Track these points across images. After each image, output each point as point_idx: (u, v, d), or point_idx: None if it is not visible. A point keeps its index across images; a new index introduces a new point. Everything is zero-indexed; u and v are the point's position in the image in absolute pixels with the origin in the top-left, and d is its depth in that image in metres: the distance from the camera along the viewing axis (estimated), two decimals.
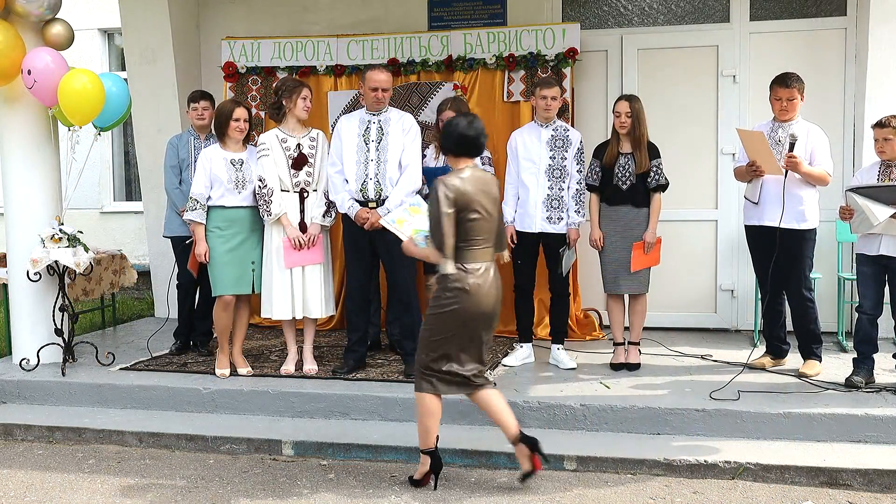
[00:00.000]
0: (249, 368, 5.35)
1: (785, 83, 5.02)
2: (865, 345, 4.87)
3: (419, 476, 3.99)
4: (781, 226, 4.93)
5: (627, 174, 5.22)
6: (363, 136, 5.14)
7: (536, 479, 4.09)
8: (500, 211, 4.04)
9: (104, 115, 5.51)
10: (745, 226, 5.30)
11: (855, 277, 5.19)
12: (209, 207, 5.17)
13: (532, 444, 3.90)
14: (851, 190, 4.78)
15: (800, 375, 5.08)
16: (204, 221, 5.15)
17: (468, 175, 3.86)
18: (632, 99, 5.26)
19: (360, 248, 5.21)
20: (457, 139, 3.92)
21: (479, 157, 4.12)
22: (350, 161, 5.11)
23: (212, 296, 5.29)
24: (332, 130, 6.59)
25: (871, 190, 4.70)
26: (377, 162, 5.09)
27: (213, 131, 5.33)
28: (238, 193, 5.17)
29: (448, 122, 4.04)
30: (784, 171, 4.89)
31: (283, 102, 5.16)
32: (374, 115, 5.16)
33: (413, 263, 5.20)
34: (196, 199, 5.14)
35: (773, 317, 5.28)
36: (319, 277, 5.21)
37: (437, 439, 3.93)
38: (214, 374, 5.28)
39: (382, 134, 5.10)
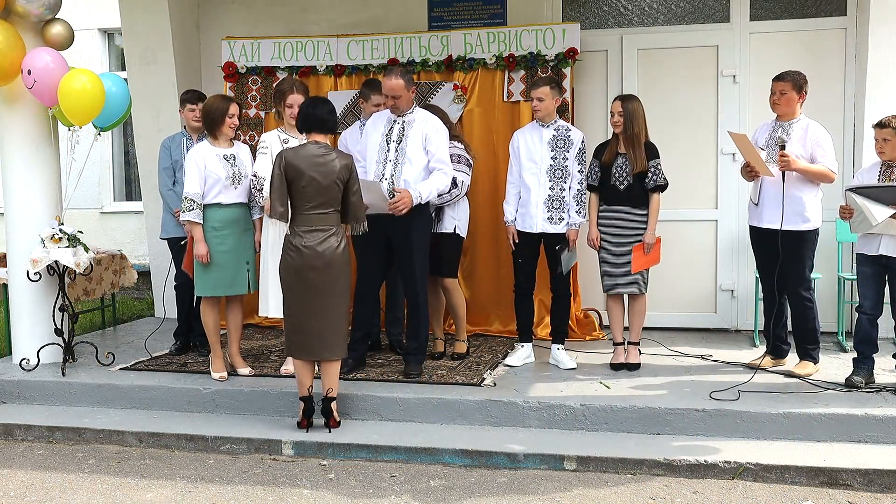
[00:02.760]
0: (249, 368, 5.34)
1: (778, 77, 5.05)
2: (865, 345, 4.87)
3: (299, 419, 4.64)
4: (783, 227, 4.92)
5: (624, 174, 5.22)
6: (386, 135, 5.15)
7: (536, 480, 4.10)
8: (352, 187, 4.54)
9: (104, 115, 5.51)
10: (749, 226, 5.30)
11: (855, 277, 5.19)
12: (203, 206, 5.11)
13: (308, 411, 4.61)
14: (851, 190, 4.78)
15: (790, 374, 5.08)
16: (201, 221, 5.08)
17: (304, 149, 4.49)
18: (626, 98, 5.26)
19: (376, 247, 5.20)
20: (302, 118, 4.60)
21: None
22: (371, 159, 5.13)
23: (197, 296, 5.28)
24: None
25: (871, 190, 4.70)
26: (395, 163, 5.09)
27: (204, 128, 5.23)
28: (234, 189, 5.13)
29: (300, 105, 4.72)
30: (778, 172, 4.89)
31: (275, 106, 5.31)
32: (399, 115, 5.14)
33: (425, 264, 5.20)
34: (192, 199, 5.05)
35: (775, 316, 5.27)
36: None
37: (311, 388, 4.59)
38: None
39: (403, 135, 5.09)
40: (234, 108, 5.14)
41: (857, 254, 4.99)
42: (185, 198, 5.07)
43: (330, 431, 4.58)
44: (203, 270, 5.13)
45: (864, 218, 4.66)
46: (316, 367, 4.66)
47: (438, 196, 5.36)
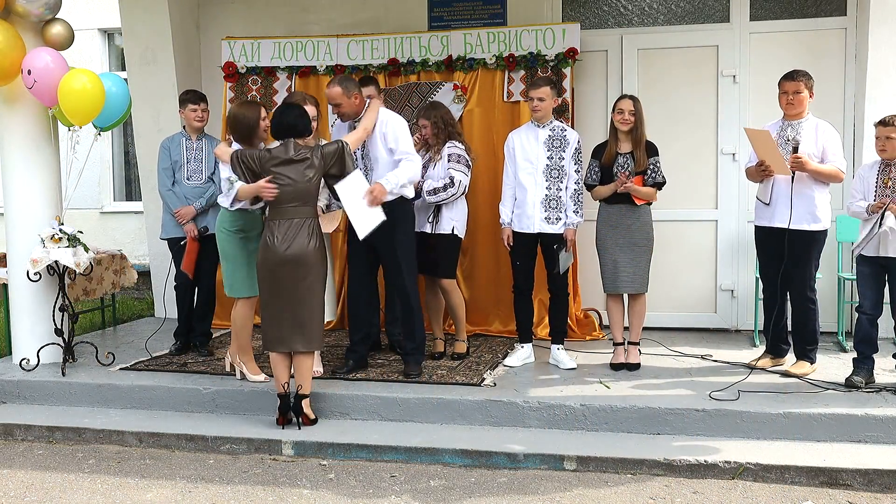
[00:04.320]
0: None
1: (791, 77, 5.03)
2: (865, 345, 4.87)
3: (276, 416, 4.69)
4: (793, 227, 4.92)
5: (629, 172, 5.22)
6: None
7: (536, 480, 4.10)
8: (338, 171, 4.65)
9: (104, 115, 5.51)
10: (755, 226, 5.30)
11: (855, 277, 5.18)
12: (234, 211, 4.98)
13: (284, 408, 4.64)
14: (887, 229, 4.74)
15: (787, 374, 5.09)
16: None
17: (273, 149, 4.64)
18: (634, 98, 5.28)
19: (362, 249, 5.22)
20: (274, 126, 4.68)
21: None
22: None
23: (234, 297, 5.13)
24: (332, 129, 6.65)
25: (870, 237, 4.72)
26: (365, 169, 5.09)
27: (238, 140, 4.93)
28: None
29: (273, 113, 4.80)
30: (791, 171, 4.89)
31: None
32: (352, 121, 5.15)
33: (412, 264, 5.20)
34: (231, 181, 4.82)
35: (777, 316, 5.26)
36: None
37: (287, 385, 4.64)
38: (215, 374, 5.28)
39: (366, 140, 5.07)
40: (263, 112, 5.04)
41: (857, 254, 4.99)
42: (228, 180, 4.86)
43: (300, 428, 4.59)
44: (237, 272, 5.04)
45: (880, 237, 4.68)
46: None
47: (435, 193, 5.36)
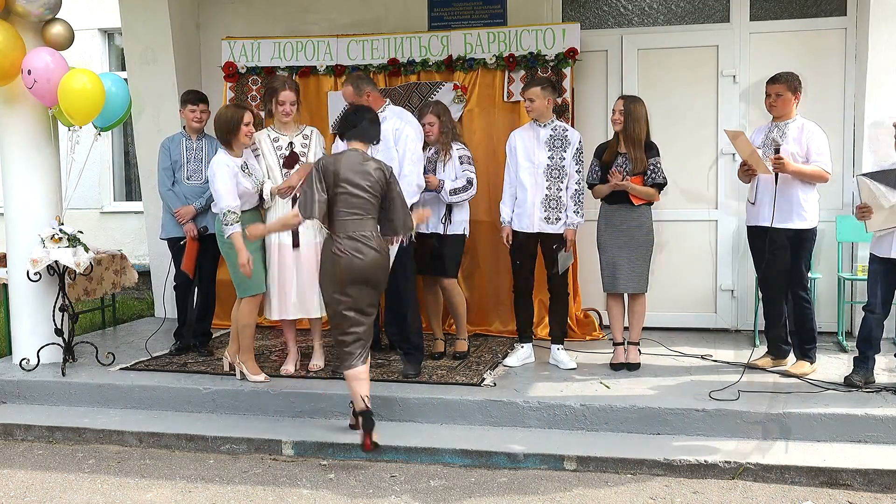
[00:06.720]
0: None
1: (773, 80, 5.06)
2: (867, 344, 4.85)
3: (361, 439, 4.33)
4: (777, 225, 4.94)
5: (625, 173, 5.22)
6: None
7: (536, 480, 4.10)
8: (395, 195, 4.44)
9: (104, 115, 5.51)
10: (747, 226, 5.31)
11: (855, 277, 5.19)
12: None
13: (368, 425, 4.30)
14: (863, 175, 4.72)
15: (787, 374, 5.09)
16: (241, 230, 4.89)
17: (343, 156, 4.41)
18: (629, 98, 5.28)
19: None
20: (342, 124, 4.56)
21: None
22: None
23: (239, 297, 5.14)
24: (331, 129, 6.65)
25: (881, 174, 4.68)
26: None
27: (218, 138, 5.08)
28: (256, 195, 5.11)
29: (344, 112, 4.73)
30: (773, 171, 4.90)
31: (267, 104, 5.32)
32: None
33: (407, 263, 5.19)
34: (233, 213, 4.87)
35: (773, 317, 5.27)
36: (316, 277, 5.19)
37: (367, 399, 4.34)
38: (215, 374, 5.28)
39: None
40: (248, 116, 5.03)
41: (869, 253, 4.97)
42: (228, 212, 4.87)
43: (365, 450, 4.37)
44: (241, 273, 4.99)
45: (878, 203, 4.64)
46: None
47: (455, 193, 5.38)
